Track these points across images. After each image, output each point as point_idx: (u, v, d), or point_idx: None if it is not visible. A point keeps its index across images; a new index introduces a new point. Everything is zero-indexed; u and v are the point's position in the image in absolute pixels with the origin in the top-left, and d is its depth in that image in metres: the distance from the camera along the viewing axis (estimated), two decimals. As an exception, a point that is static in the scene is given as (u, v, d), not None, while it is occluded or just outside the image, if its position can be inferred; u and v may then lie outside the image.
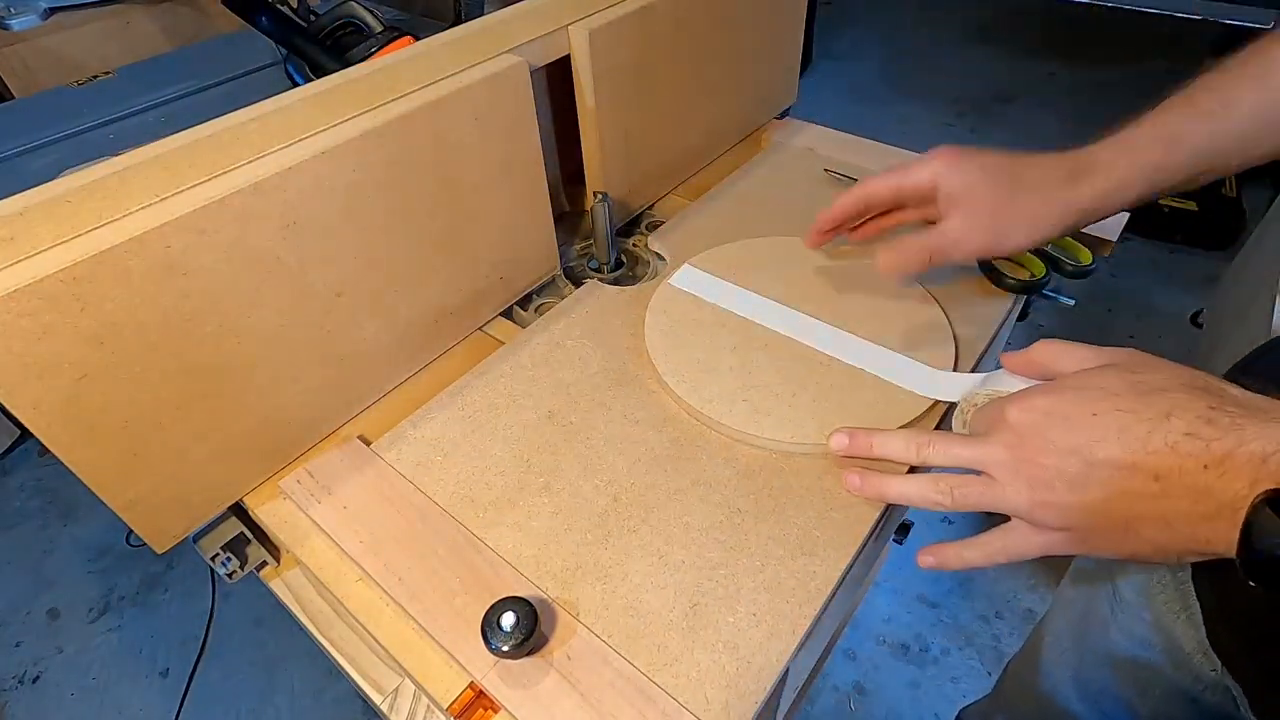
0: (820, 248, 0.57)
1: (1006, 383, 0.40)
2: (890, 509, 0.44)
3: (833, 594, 0.40)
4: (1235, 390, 0.30)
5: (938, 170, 0.46)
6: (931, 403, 0.48)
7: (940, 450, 0.38)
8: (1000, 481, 0.35)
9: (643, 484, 0.45)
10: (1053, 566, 1.20)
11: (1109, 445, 0.30)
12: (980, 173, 0.45)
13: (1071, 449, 0.31)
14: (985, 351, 0.54)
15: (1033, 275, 0.57)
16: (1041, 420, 0.33)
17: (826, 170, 0.65)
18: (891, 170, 0.49)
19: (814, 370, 0.50)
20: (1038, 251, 0.58)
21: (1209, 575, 0.42)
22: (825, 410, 0.48)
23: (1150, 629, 0.50)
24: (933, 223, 0.48)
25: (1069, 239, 0.59)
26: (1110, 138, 0.44)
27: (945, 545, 0.39)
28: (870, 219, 0.55)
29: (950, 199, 0.46)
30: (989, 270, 0.58)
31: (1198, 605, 0.45)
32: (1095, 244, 0.62)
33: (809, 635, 0.39)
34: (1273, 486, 0.26)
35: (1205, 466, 0.28)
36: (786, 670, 0.38)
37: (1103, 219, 0.45)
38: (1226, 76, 0.42)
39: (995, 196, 0.45)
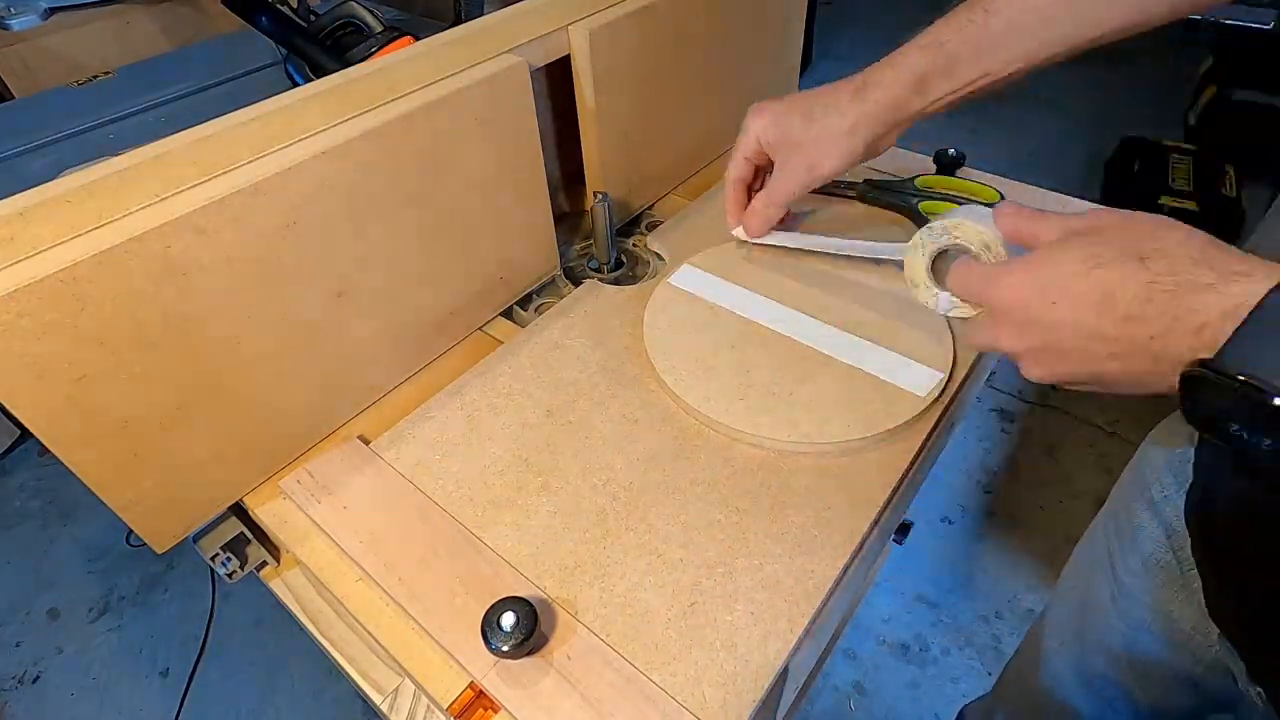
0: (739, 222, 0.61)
1: (968, 224, 0.48)
2: (888, 508, 0.44)
3: (831, 593, 0.40)
4: (1182, 248, 0.32)
5: (757, 130, 0.53)
6: (931, 400, 0.48)
7: (975, 340, 0.42)
8: (1007, 348, 0.38)
9: (641, 483, 0.45)
10: (1053, 567, 1.20)
11: (1067, 330, 0.34)
12: (784, 117, 0.52)
13: (1040, 331, 0.35)
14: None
15: None
16: (1012, 308, 0.37)
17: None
18: (734, 148, 0.56)
19: (812, 369, 0.50)
20: (946, 199, 0.65)
21: (1208, 553, 0.43)
22: (823, 409, 0.48)
23: (1150, 612, 0.51)
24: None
25: (968, 182, 0.67)
26: (883, 59, 0.50)
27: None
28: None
29: (772, 149, 0.53)
30: (917, 218, 0.63)
31: (1198, 583, 0.46)
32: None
33: (807, 634, 0.39)
34: (1204, 356, 0.29)
35: (1151, 338, 0.31)
36: (785, 669, 0.38)
37: (898, 130, 0.51)
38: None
39: (796, 133, 0.52)
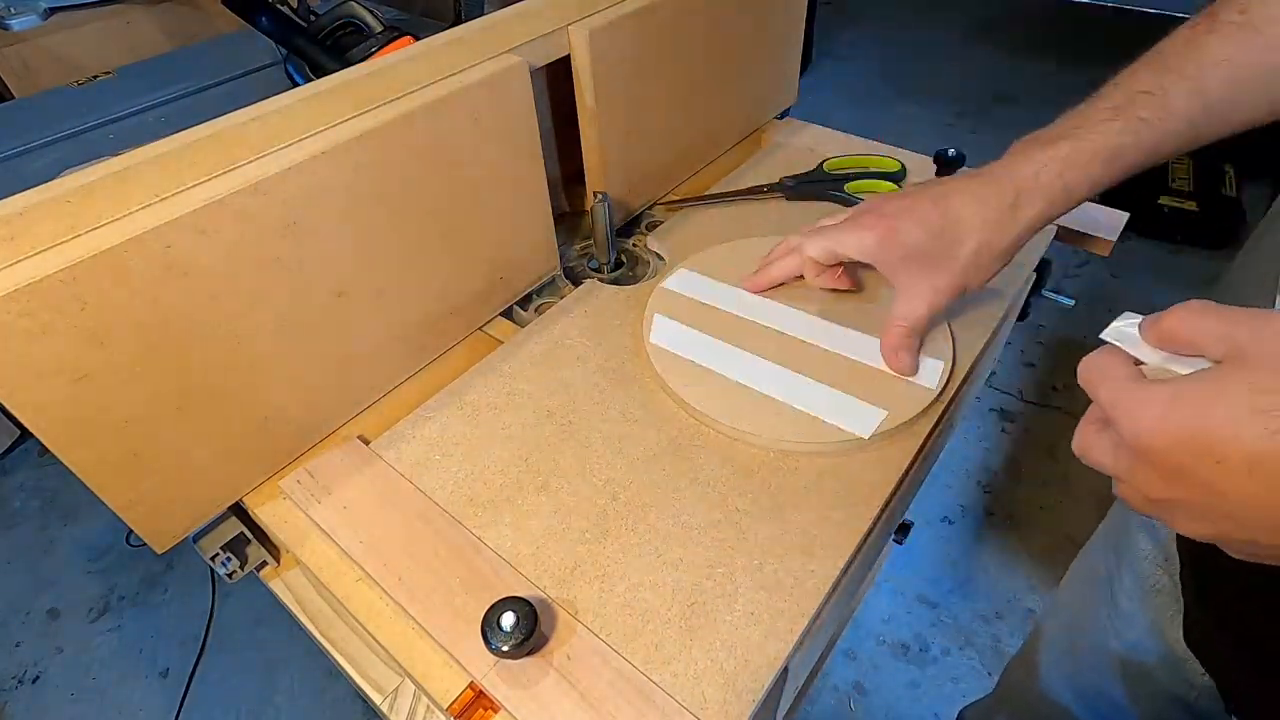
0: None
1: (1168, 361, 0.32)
2: (888, 508, 0.44)
3: (831, 593, 0.40)
4: None
5: (868, 245, 0.46)
6: (933, 397, 0.48)
7: (1083, 445, 0.32)
8: (1157, 504, 0.29)
9: (641, 483, 0.45)
10: (1053, 567, 1.20)
11: (1240, 500, 0.25)
12: (914, 237, 0.45)
13: (1203, 491, 0.26)
14: (983, 350, 0.54)
15: None
16: (1166, 457, 0.27)
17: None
18: (828, 234, 0.48)
19: (813, 368, 0.50)
20: (864, 176, 0.70)
21: (1192, 571, 0.43)
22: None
23: (1145, 633, 0.50)
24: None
25: (869, 157, 0.72)
26: (1040, 152, 0.43)
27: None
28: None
29: (893, 266, 0.47)
30: (850, 201, 0.67)
31: None
32: (1086, 241, 0.63)
33: (807, 634, 0.39)
34: None
35: None
36: (785, 669, 0.38)
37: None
38: (1163, 77, 0.41)
39: (940, 256, 0.45)
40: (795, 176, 0.70)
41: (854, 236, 0.47)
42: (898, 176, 0.70)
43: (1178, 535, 0.42)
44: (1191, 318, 0.29)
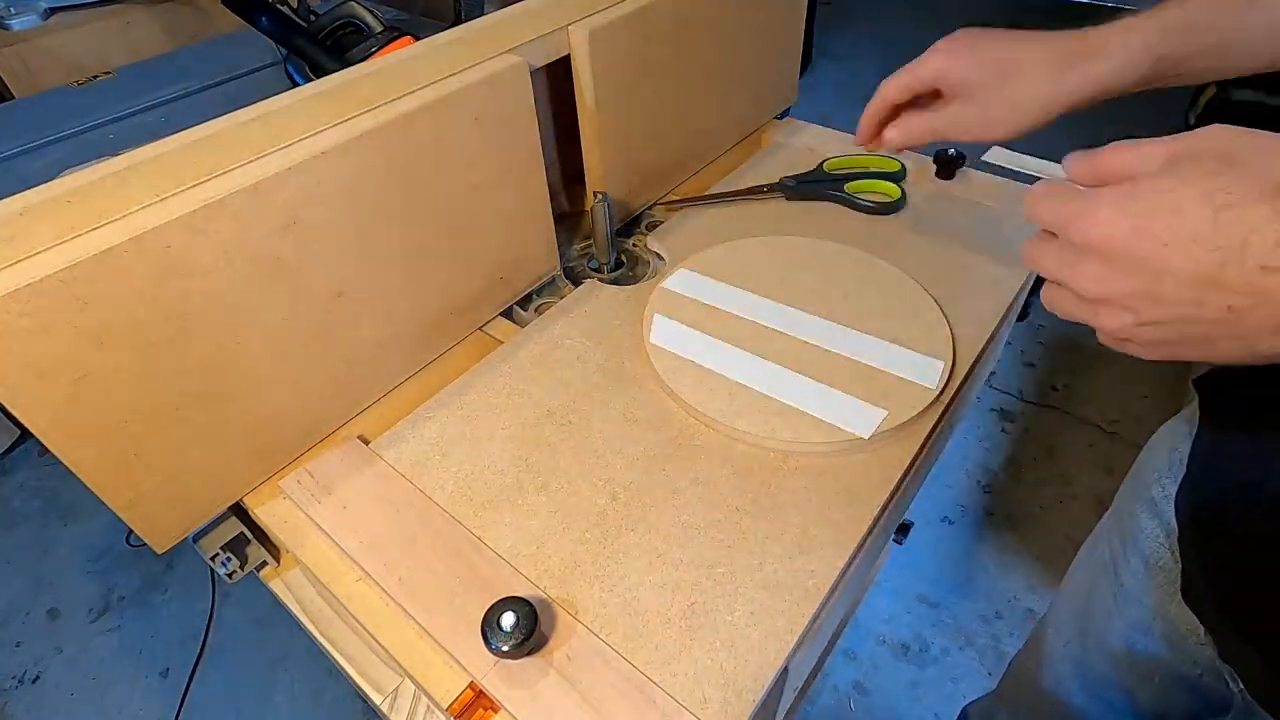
0: (871, 147, 0.57)
1: None
2: (888, 508, 0.44)
3: (831, 593, 0.40)
4: None
5: (940, 64, 0.49)
6: (933, 397, 0.48)
7: (1032, 256, 0.34)
8: (1078, 303, 0.32)
9: (641, 483, 0.45)
10: (1053, 567, 1.20)
11: (1178, 277, 0.28)
12: (975, 63, 0.47)
13: (1145, 278, 0.29)
14: (984, 350, 0.54)
15: (887, 197, 0.67)
16: (1102, 244, 0.30)
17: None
18: (903, 68, 0.51)
19: (813, 367, 0.50)
20: (867, 176, 0.68)
21: (1193, 536, 0.43)
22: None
23: (1149, 612, 0.51)
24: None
25: (870, 157, 0.70)
26: (1129, 20, 0.43)
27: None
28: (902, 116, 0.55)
29: (952, 89, 0.49)
30: (851, 201, 0.67)
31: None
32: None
33: (807, 634, 0.39)
34: None
35: None
36: (785, 669, 0.38)
37: (1097, 101, 0.45)
38: None
39: (986, 87, 0.47)
40: (795, 176, 0.70)
41: (924, 63, 0.50)
42: (898, 176, 0.69)
43: (1176, 495, 0.43)
44: (1128, 147, 0.32)
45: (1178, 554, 0.48)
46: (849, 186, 0.68)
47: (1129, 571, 0.52)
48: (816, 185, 0.70)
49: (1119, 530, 0.54)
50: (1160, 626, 0.51)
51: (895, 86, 0.52)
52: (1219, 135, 0.29)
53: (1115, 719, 0.60)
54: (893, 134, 0.52)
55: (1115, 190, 0.30)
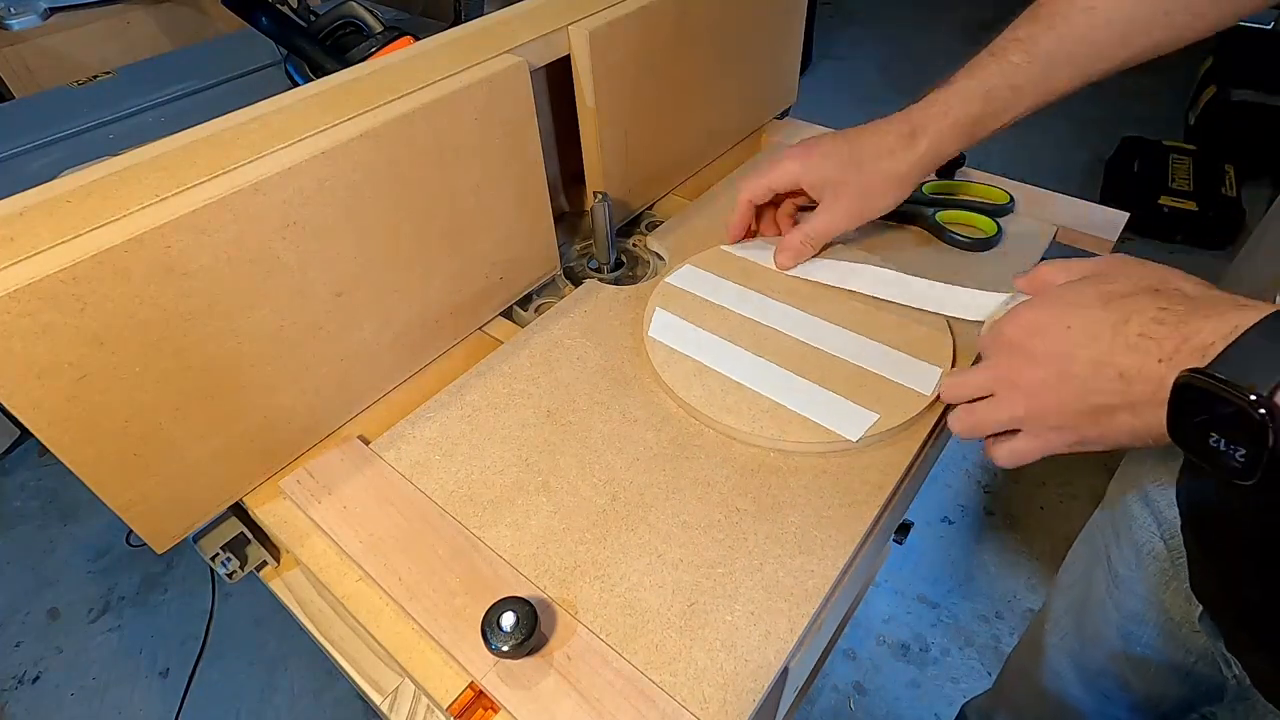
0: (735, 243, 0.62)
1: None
2: (888, 508, 0.44)
3: (831, 593, 0.40)
4: (1191, 287, 0.35)
5: (793, 170, 0.55)
6: (933, 398, 0.48)
7: (957, 385, 0.43)
8: (1001, 397, 0.40)
9: (641, 483, 0.45)
10: (1053, 567, 1.20)
11: (1081, 351, 0.35)
12: (828, 161, 0.54)
13: (1052, 358, 0.37)
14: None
15: (984, 233, 0.63)
16: (1026, 336, 0.38)
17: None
18: (760, 173, 0.57)
19: (814, 368, 0.50)
20: (963, 207, 0.65)
21: (1196, 533, 0.44)
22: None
23: (1143, 602, 0.52)
24: (810, 205, 0.58)
25: (976, 184, 0.67)
26: (933, 95, 0.51)
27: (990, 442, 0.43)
28: (766, 212, 0.63)
29: (814, 189, 0.55)
30: (938, 231, 0.63)
31: (1186, 572, 0.47)
32: (1086, 241, 0.63)
33: (807, 634, 0.39)
34: (1195, 365, 0.30)
35: (1159, 360, 0.32)
36: (785, 669, 0.38)
37: (941, 165, 0.54)
38: (1031, 27, 0.48)
39: (847, 179, 0.53)
40: None
41: (779, 170, 0.55)
42: (1003, 211, 0.64)
43: (1177, 491, 0.46)
44: (1057, 264, 0.42)
45: (1170, 543, 0.49)
46: (940, 216, 0.63)
47: (1122, 561, 0.53)
48: (908, 207, 0.61)
49: (1112, 522, 0.54)
50: (1155, 615, 0.51)
51: (754, 191, 0.58)
52: (1114, 260, 0.39)
53: (1111, 710, 0.60)
54: (783, 258, 0.58)
55: (1036, 296, 0.39)
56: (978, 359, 0.47)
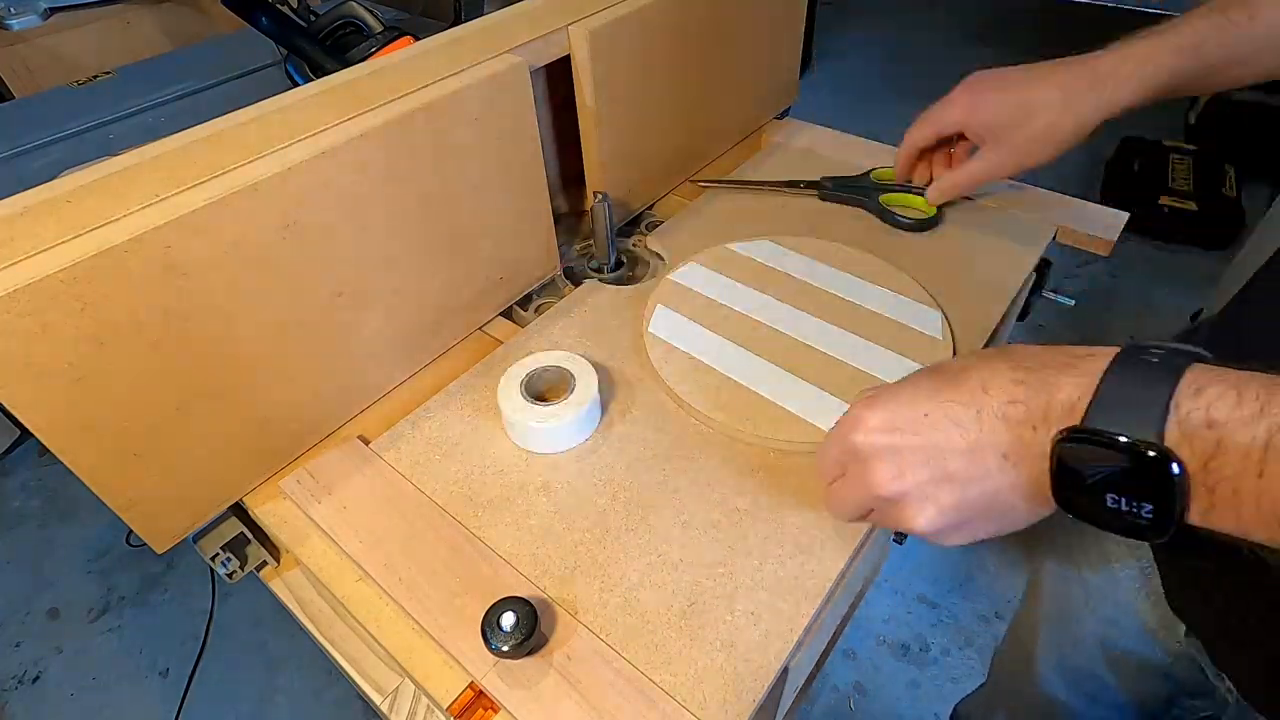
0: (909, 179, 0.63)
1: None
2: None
3: (831, 593, 0.40)
4: (1026, 349, 0.31)
5: (962, 113, 0.53)
6: None
7: (838, 503, 0.38)
8: (881, 512, 0.35)
9: (641, 483, 0.45)
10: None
11: (951, 439, 0.31)
12: (997, 107, 0.51)
13: (924, 459, 0.32)
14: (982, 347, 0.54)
15: (922, 213, 0.64)
16: (885, 441, 0.33)
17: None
18: (926, 116, 0.55)
19: (814, 369, 0.50)
20: (905, 190, 0.65)
21: (1167, 554, 0.44)
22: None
23: (1118, 609, 0.52)
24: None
25: (907, 195, 0.65)
26: (1132, 44, 0.46)
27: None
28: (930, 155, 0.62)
29: (977, 135, 0.53)
30: (882, 213, 0.65)
31: (1158, 582, 0.47)
32: (1086, 241, 0.63)
33: (807, 634, 0.39)
34: (1071, 425, 0.28)
35: (1034, 428, 0.29)
36: (785, 669, 0.38)
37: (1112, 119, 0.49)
38: None
39: (1014, 121, 0.50)
40: (836, 179, 0.69)
41: (946, 113, 0.54)
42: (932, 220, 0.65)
43: None
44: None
45: (1139, 554, 0.49)
46: (884, 198, 0.65)
47: (1091, 569, 0.54)
48: (853, 191, 0.67)
49: (1080, 531, 0.55)
50: (1129, 621, 0.52)
51: (921, 135, 0.57)
52: (932, 367, 0.35)
53: (1097, 710, 0.61)
54: (936, 193, 0.58)
55: (866, 398, 0.34)
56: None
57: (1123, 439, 0.26)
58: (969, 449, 0.31)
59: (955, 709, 0.92)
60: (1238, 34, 0.43)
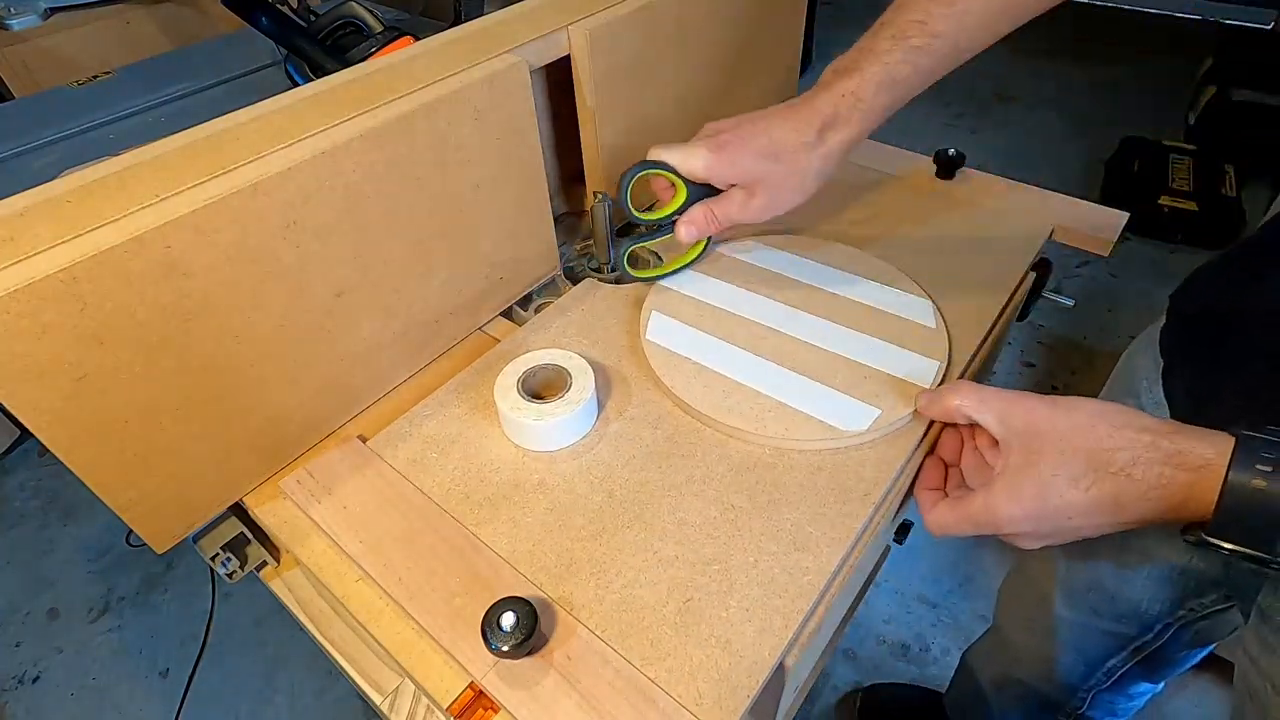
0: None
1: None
2: (881, 508, 0.44)
3: (826, 590, 0.40)
4: (1135, 439, 0.36)
5: (706, 163, 0.52)
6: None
7: (944, 528, 0.42)
8: (1018, 540, 0.41)
9: (637, 480, 0.45)
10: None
11: (1089, 529, 0.38)
12: (741, 153, 0.51)
13: (1065, 534, 0.39)
14: (981, 350, 0.54)
15: (667, 213, 0.56)
16: (1035, 527, 0.39)
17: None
18: (669, 146, 0.53)
19: (810, 367, 0.51)
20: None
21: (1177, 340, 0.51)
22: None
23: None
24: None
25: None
26: (840, 83, 0.49)
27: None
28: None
29: (722, 180, 0.53)
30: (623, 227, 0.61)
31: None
32: (1086, 240, 0.63)
33: (802, 630, 0.39)
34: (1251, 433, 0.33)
35: (1171, 510, 0.35)
36: (781, 665, 0.38)
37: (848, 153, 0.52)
38: (930, 4, 0.47)
39: (758, 171, 0.51)
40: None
41: (693, 154, 0.52)
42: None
43: (1161, 336, 0.54)
44: (959, 394, 0.43)
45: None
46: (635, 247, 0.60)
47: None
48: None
49: None
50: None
51: (676, 166, 0.53)
52: (1038, 414, 0.39)
53: (1097, 623, 0.62)
54: (685, 230, 0.54)
55: (1007, 490, 0.38)
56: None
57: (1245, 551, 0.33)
58: (1104, 528, 0.37)
59: (963, 656, 0.92)
60: (925, 57, 0.48)
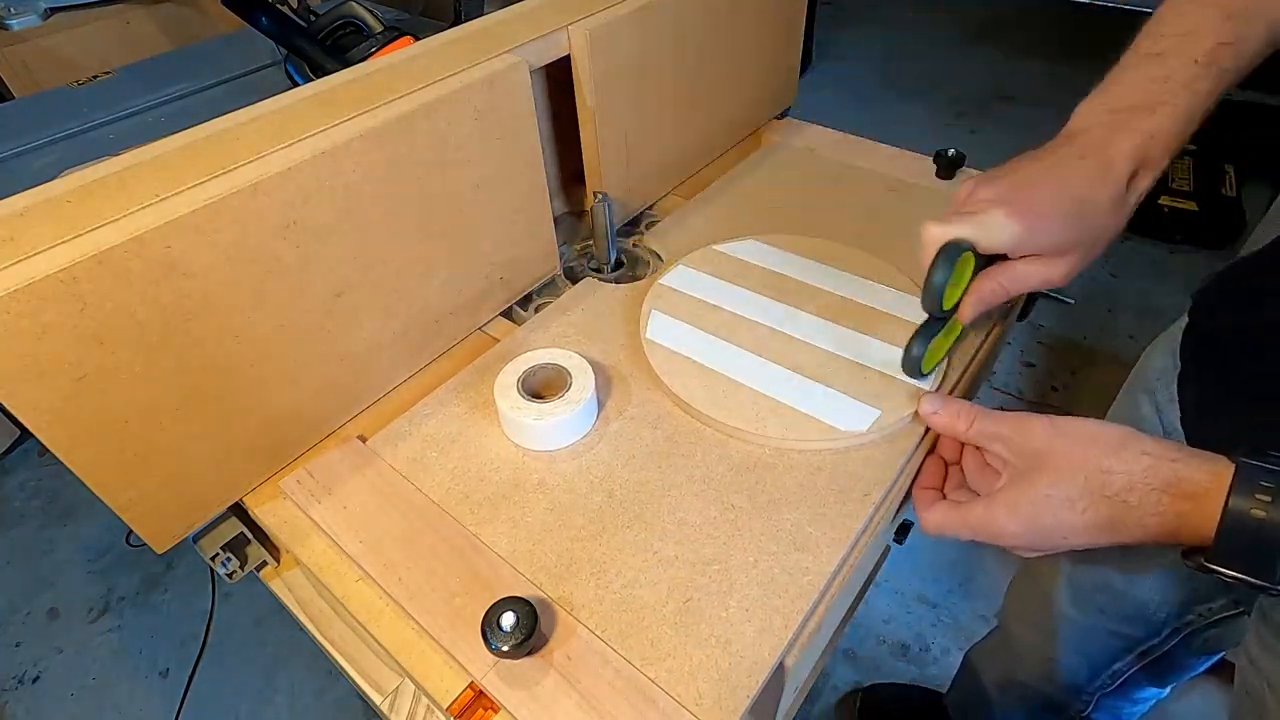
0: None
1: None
2: (881, 508, 0.44)
3: (825, 589, 0.40)
4: (1133, 466, 0.36)
5: (1014, 235, 0.42)
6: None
7: (941, 530, 0.42)
8: (1018, 550, 0.41)
9: (637, 480, 0.45)
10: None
11: (1083, 543, 0.38)
12: (1053, 223, 0.42)
13: (1057, 543, 0.38)
14: (980, 350, 0.54)
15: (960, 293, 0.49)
16: (1032, 542, 0.39)
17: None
18: (961, 218, 0.44)
19: (810, 367, 0.51)
20: None
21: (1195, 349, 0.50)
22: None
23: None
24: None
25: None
26: (1151, 122, 0.41)
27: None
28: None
29: (1028, 252, 0.44)
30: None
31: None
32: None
33: (802, 630, 0.39)
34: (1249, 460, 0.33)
35: (1171, 534, 0.35)
36: (781, 666, 0.38)
37: None
38: (1241, 25, 0.41)
39: (1075, 238, 0.43)
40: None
41: (999, 228, 0.43)
42: None
43: (1180, 344, 0.52)
44: (967, 413, 0.43)
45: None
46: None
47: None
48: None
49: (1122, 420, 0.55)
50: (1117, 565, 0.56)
51: (962, 235, 0.44)
52: (1036, 433, 0.39)
53: (1104, 623, 0.62)
54: (974, 309, 0.45)
55: (1007, 506, 0.38)
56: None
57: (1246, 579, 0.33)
58: (1100, 542, 0.37)
59: (966, 655, 0.92)
60: (1228, 82, 0.42)
